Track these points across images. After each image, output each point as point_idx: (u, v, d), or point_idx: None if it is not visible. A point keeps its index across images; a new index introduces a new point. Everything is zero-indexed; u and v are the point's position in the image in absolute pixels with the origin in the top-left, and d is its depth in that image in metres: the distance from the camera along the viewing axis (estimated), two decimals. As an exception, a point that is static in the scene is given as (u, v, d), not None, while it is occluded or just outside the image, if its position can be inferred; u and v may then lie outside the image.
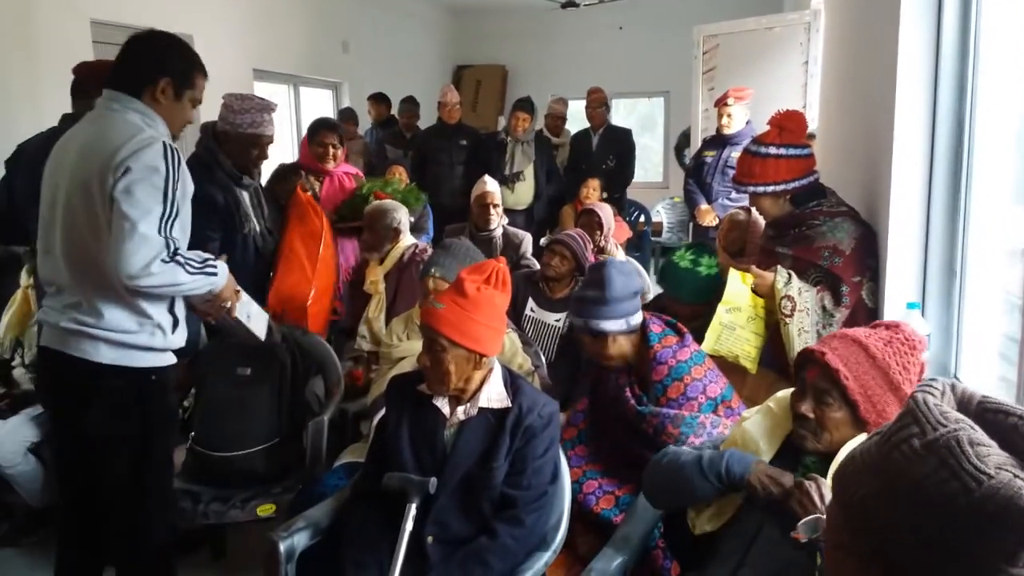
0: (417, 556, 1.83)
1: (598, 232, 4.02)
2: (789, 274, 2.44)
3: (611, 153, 6.12)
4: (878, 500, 0.72)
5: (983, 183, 2.13)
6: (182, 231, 2.04)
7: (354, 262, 3.80)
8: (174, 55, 2.14)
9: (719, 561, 1.57)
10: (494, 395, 1.95)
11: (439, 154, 5.75)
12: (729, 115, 4.76)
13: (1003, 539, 0.64)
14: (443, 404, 1.96)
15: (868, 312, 2.43)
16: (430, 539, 1.87)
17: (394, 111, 7.05)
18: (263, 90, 6.47)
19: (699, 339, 2.47)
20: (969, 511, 0.65)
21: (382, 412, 2.17)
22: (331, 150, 3.77)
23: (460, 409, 1.95)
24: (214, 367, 2.81)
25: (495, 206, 4.18)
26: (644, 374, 2.29)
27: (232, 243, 2.95)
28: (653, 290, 4.13)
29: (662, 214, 8.70)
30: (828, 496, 1.36)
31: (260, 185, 3.26)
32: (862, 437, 1.47)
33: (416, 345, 2.48)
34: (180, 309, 2.16)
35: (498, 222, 4.22)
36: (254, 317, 2.50)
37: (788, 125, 2.56)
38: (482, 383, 1.96)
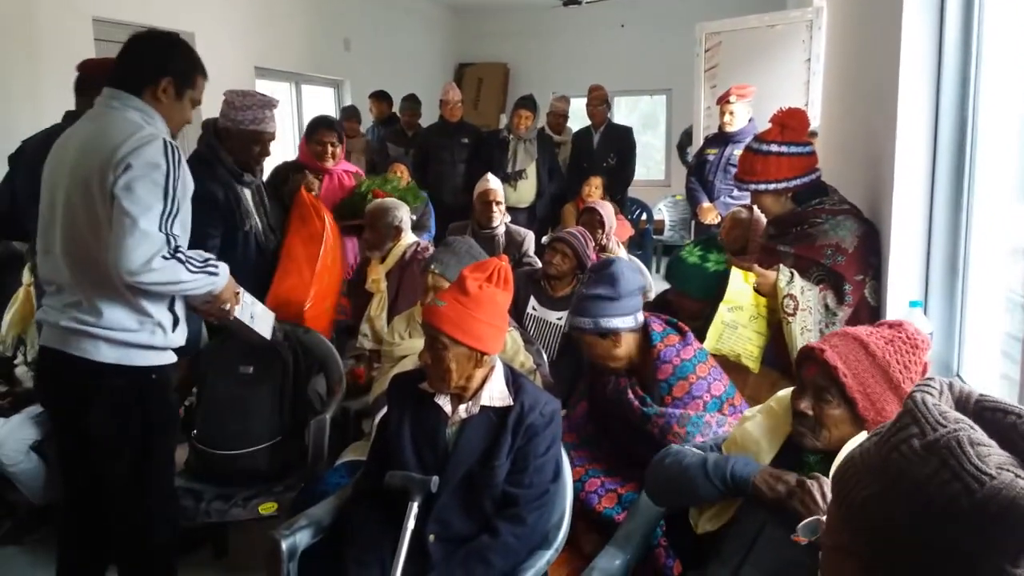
0: (419, 554, 1.83)
1: (600, 230, 4.02)
2: (791, 273, 2.44)
3: (612, 151, 6.12)
4: (879, 501, 0.71)
5: (986, 181, 2.12)
6: (183, 229, 2.04)
7: (353, 261, 3.80)
8: (176, 55, 2.14)
9: (721, 560, 1.57)
10: (496, 393, 1.95)
11: (441, 152, 5.74)
12: (731, 113, 4.76)
13: (1005, 540, 0.64)
14: (445, 402, 1.96)
15: (871, 310, 2.43)
16: (432, 537, 1.87)
17: (395, 109, 7.06)
18: (265, 88, 6.46)
19: (701, 338, 2.46)
20: (971, 512, 0.65)
21: (384, 410, 2.17)
22: (330, 148, 3.76)
23: (462, 407, 1.95)
24: (216, 365, 2.82)
25: (498, 204, 4.18)
26: (646, 374, 2.28)
27: (233, 240, 2.94)
28: (655, 288, 4.13)
29: (664, 212, 8.70)
30: (830, 495, 1.36)
31: (262, 182, 3.25)
32: (862, 436, 1.47)
33: (418, 343, 2.49)
34: (180, 308, 2.16)
35: (501, 220, 4.21)
36: (258, 317, 2.50)
37: (790, 123, 2.56)
38: (484, 381, 1.96)
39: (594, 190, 5.39)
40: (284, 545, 1.92)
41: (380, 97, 7.10)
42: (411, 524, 1.78)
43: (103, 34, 4.96)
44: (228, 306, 2.27)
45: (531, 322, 3.38)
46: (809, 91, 5.20)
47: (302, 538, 1.97)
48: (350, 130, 6.42)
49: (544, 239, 3.78)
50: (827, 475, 1.48)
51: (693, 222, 5.48)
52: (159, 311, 2.07)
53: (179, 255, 1.94)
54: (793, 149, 2.54)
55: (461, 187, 5.60)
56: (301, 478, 2.63)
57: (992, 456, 0.66)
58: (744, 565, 1.51)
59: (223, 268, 2.14)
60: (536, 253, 4.19)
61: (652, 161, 10.17)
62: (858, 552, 0.74)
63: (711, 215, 4.91)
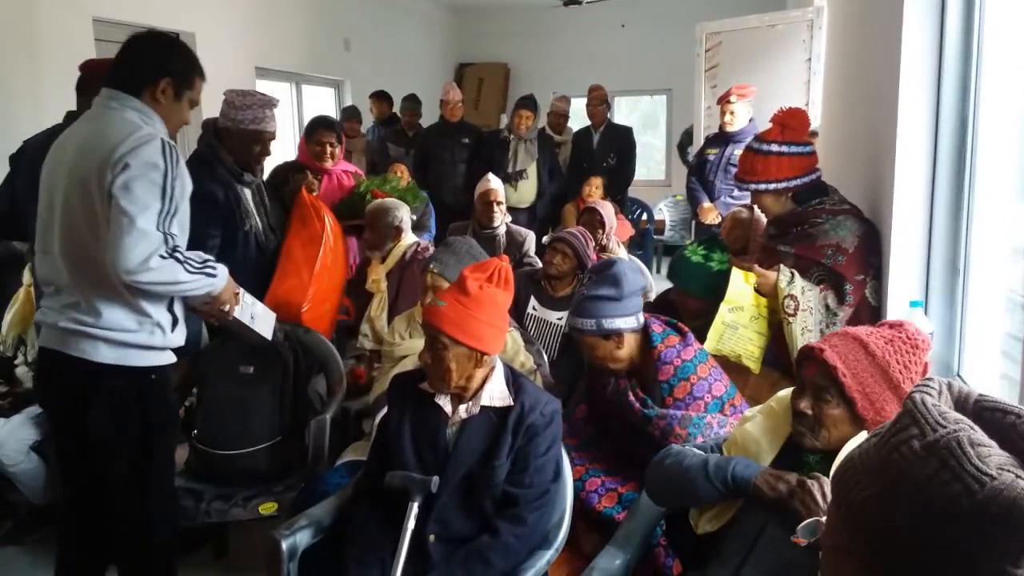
0: (419, 555, 1.83)
1: (600, 230, 4.01)
2: (792, 273, 2.43)
3: (612, 151, 6.12)
4: (879, 502, 0.71)
5: (986, 181, 2.12)
6: (181, 229, 2.04)
7: (353, 261, 3.80)
8: (175, 56, 2.14)
9: (721, 560, 1.57)
10: (496, 393, 1.95)
11: (441, 152, 5.74)
12: (732, 112, 4.76)
13: (1006, 540, 0.64)
14: (445, 402, 1.96)
15: (872, 310, 2.42)
16: (432, 537, 1.87)
17: (396, 109, 7.06)
18: (265, 88, 6.45)
19: (703, 338, 2.46)
20: (972, 513, 0.65)
21: (384, 410, 2.17)
22: (329, 148, 3.75)
23: (462, 407, 1.95)
24: (216, 366, 2.82)
25: (499, 204, 4.18)
26: (646, 376, 2.27)
27: (233, 240, 2.94)
28: (655, 288, 4.13)
29: (664, 212, 8.70)
30: (830, 495, 1.36)
31: (263, 182, 3.24)
32: (862, 436, 1.47)
33: (418, 343, 2.48)
34: (179, 308, 2.16)
35: (502, 220, 4.21)
36: (258, 318, 2.49)
37: (790, 123, 2.56)
38: (484, 381, 1.96)
39: (594, 190, 5.39)
40: (284, 545, 1.92)
41: (380, 97, 7.10)
42: (411, 524, 1.78)
43: (104, 34, 4.96)
44: (227, 307, 2.27)
45: (531, 322, 3.38)
46: (809, 91, 5.20)
47: (302, 538, 1.97)
48: (351, 130, 6.42)
49: (544, 239, 3.78)
50: (827, 475, 1.48)
51: (694, 222, 5.48)
52: (158, 311, 2.07)
53: (177, 255, 1.94)
54: (793, 149, 2.54)
55: (461, 187, 5.60)
56: (301, 478, 2.63)
57: (993, 457, 0.66)
58: (745, 565, 1.51)
59: (222, 270, 2.14)
60: (537, 253, 4.19)
61: (652, 161, 10.17)
62: (858, 552, 0.74)
63: (711, 215, 4.91)
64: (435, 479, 1.82)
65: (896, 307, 2.32)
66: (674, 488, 1.69)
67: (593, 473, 2.31)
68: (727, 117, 4.79)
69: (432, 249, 3.34)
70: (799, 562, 1.34)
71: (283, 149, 4.00)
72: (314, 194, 3.44)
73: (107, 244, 1.90)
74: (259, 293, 2.82)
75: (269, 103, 3.00)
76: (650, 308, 3.25)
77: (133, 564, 2.25)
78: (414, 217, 4.04)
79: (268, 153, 3.08)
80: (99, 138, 1.98)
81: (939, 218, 2.24)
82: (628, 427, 2.26)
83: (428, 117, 6.73)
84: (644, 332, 2.29)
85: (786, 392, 1.67)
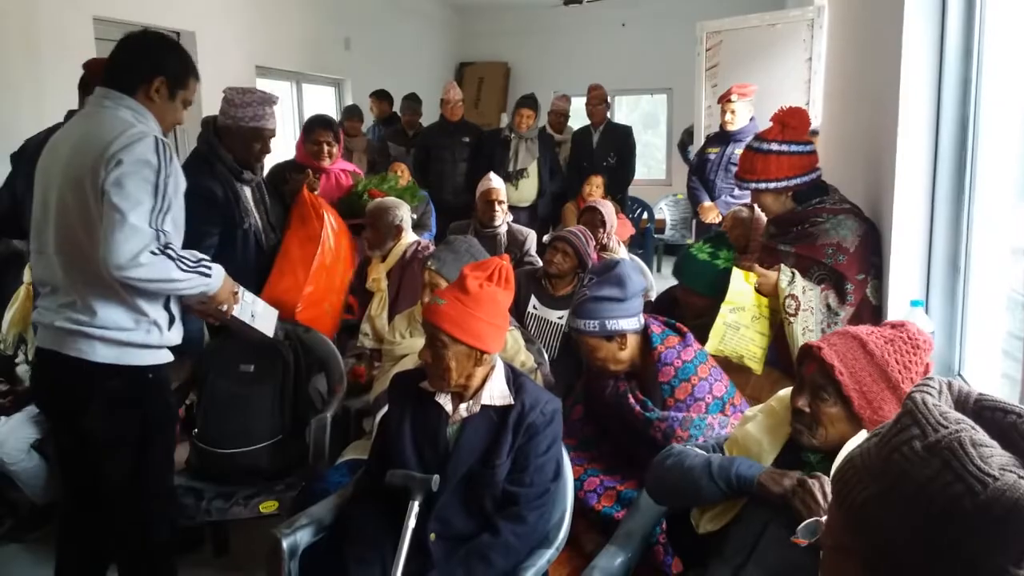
0: (420, 553, 1.83)
1: (601, 229, 4.01)
2: (793, 273, 2.43)
3: (612, 150, 6.12)
4: (879, 503, 0.71)
5: (987, 180, 2.12)
6: (175, 228, 2.04)
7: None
8: (169, 55, 2.15)
9: (722, 559, 1.57)
10: (496, 392, 1.95)
11: (442, 151, 5.74)
12: (733, 111, 4.76)
13: (1008, 541, 0.64)
14: (446, 401, 1.96)
15: (873, 310, 2.42)
16: (433, 536, 1.87)
17: (396, 108, 7.06)
18: (266, 87, 6.46)
19: (705, 337, 2.46)
20: (974, 514, 0.64)
21: (385, 409, 2.17)
22: (326, 148, 3.74)
23: (463, 406, 1.95)
24: (217, 364, 2.82)
25: (500, 203, 4.18)
26: (646, 377, 2.27)
27: (232, 238, 2.93)
28: (655, 288, 4.13)
29: (665, 211, 8.70)
30: (831, 494, 1.36)
31: (263, 180, 3.23)
32: (862, 436, 1.47)
33: (419, 342, 2.48)
34: (176, 306, 2.15)
35: (503, 219, 4.21)
36: (259, 316, 2.49)
37: (791, 122, 2.55)
38: (484, 380, 1.96)
39: (595, 189, 5.38)
40: (285, 544, 1.92)
41: (381, 96, 7.10)
42: (412, 523, 1.78)
43: (104, 33, 4.96)
44: (225, 307, 2.26)
45: (532, 321, 3.38)
46: (810, 90, 5.20)
47: (303, 537, 1.97)
48: (352, 129, 6.42)
49: (545, 238, 3.78)
50: (828, 475, 1.48)
51: (694, 221, 5.48)
52: (154, 310, 2.07)
53: (169, 252, 1.93)
54: (794, 148, 2.54)
55: (462, 186, 5.60)
56: (302, 477, 2.63)
57: (995, 457, 0.66)
58: (747, 564, 1.51)
59: (217, 270, 2.13)
60: (537, 252, 4.19)
61: (653, 160, 10.17)
62: (859, 552, 0.74)
63: (712, 214, 4.91)
64: (435, 478, 1.82)
65: (897, 306, 2.31)
66: (676, 488, 1.68)
67: (592, 473, 2.30)
68: (728, 116, 4.79)
69: (432, 248, 3.34)
70: (800, 562, 1.34)
71: (284, 148, 3.98)
72: (315, 192, 3.43)
73: (99, 240, 1.90)
74: (258, 292, 2.82)
75: (269, 100, 2.99)
76: (653, 305, 3.26)
77: (133, 563, 2.25)
78: (414, 216, 4.04)
79: (269, 151, 3.07)
80: (93, 136, 1.98)
81: (940, 217, 2.24)
82: (627, 428, 2.26)
83: (428, 116, 6.73)
84: (643, 333, 2.29)
85: (787, 391, 1.67)
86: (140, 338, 2.05)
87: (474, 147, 5.75)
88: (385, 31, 8.67)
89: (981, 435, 0.68)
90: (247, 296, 2.41)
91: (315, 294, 3.13)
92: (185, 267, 1.98)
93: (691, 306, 2.83)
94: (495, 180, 4.28)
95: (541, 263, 3.74)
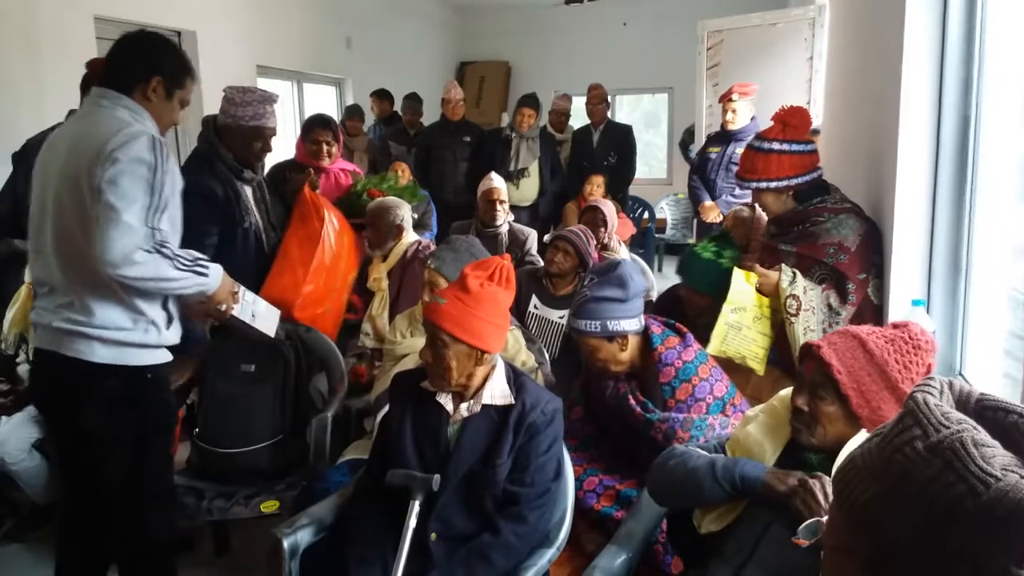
0: (420, 553, 1.83)
1: (602, 229, 4.01)
2: (794, 273, 2.43)
3: (612, 149, 6.11)
4: (881, 503, 0.71)
5: (988, 179, 2.12)
6: (173, 228, 2.03)
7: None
8: (167, 55, 2.15)
9: (723, 559, 1.57)
10: (497, 392, 1.95)
11: (443, 151, 5.74)
12: (734, 111, 4.75)
13: (1011, 541, 0.64)
14: (446, 401, 1.96)
15: (874, 309, 2.42)
16: (433, 536, 1.87)
17: (397, 107, 7.05)
18: (267, 86, 6.48)
19: (707, 336, 2.45)
20: (976, 514, 0.64)
21: (386, 409, 2.17)
22: (325, 147, 3.73)
23: (463, 406, 1.95)
24: (218, 364, 2.82)
25: (501, 202, 4.18)
26: (646, 378, 2.26)
27: (232, 236, 2.92)
28: (656, 287, 4.12)
29: (666, 210, 8.70)
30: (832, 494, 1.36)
31: (264, 179, 3.23)
32: (862, 436, 1.47)
33: (419, 342, 2.48)
34: (174, 305, 2.15)
35: (504, 219, 4.21)
36: (260, 316, 2.48)
37: (792, 121, 2.55)
38: (485, 380, 1.96)
39: (596, 188, 5.38)
40: (286, 543, 1.92)
41: (381, 96, 7.10)
42: (413, 522, 1.77)
43: (105, 32, 4.96)
44: (224, 307, 2.25)
45: (533, 321, 3.38)
46: (811, 89, 5.20)
47: (304, 536, 1.97)
48: (353, 129, 6.42)
49: (546, 237, 3.78)
50: (830, 475, 1.47)
51: (695, 220, 5.48)
52: (152, 309, 2.06)
53: (164, 250, 1.92)
54: (794, 147, 2.53)
55: (463, 186, 5.59)
56: (303, 476, 2.63)
57: (997, 457, 0.66)
58: (747, 564, 1.51)
59: (215, 269, 2.12)
60: (538, 251, 4.18)
61: (654, 159, 10.17)
62: (860, 553, 0.74)
63: (713, 214, 4.91)
64: (436, 477, 1.82)
65: (898, 306, 2.31)
66: (679, 489, 1.68)
67: (591, 472, 2.30)
68: (729, 115, 4.78)
69: (433, 248, 3.34)
70: (802, 562, 1.34)
71: (285, 148, 3.97)
72: (316, 191, 3.42)
73: (94, 238, 1.89)
74: (258, 290, 2.82)
75: (269, 99, 2.99)
76: (655, 304, 3.26)
77: (132, 563, 2.24)
78: (415, 216, 4.04)
79: (270, 149, 3.06)
80: (89, 135, 1.97)
81: (941, 216, 2.23)
82: (628, 429, 2.25)
83: (429, 116, 6.73)
84: (643, 334, 2.28)
85: (788, 391, 1.67)
86: (138, 338, 2.05)
87: (475, 146, 5.75)
88: (386, 30, 8.67)
89: (983, 435, 0.68)
90: (248, 296, 2.41)
91: (314, 293, 3.12)
92: (181, 266, 1.97)
93: (694, 305, 2.83)
94: (496, 180, 4.28)
95: (542, 263, 3.74)
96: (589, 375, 2.43)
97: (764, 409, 1.71)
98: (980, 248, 2.15)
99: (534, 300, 3.41)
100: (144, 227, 1.89)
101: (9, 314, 3.09)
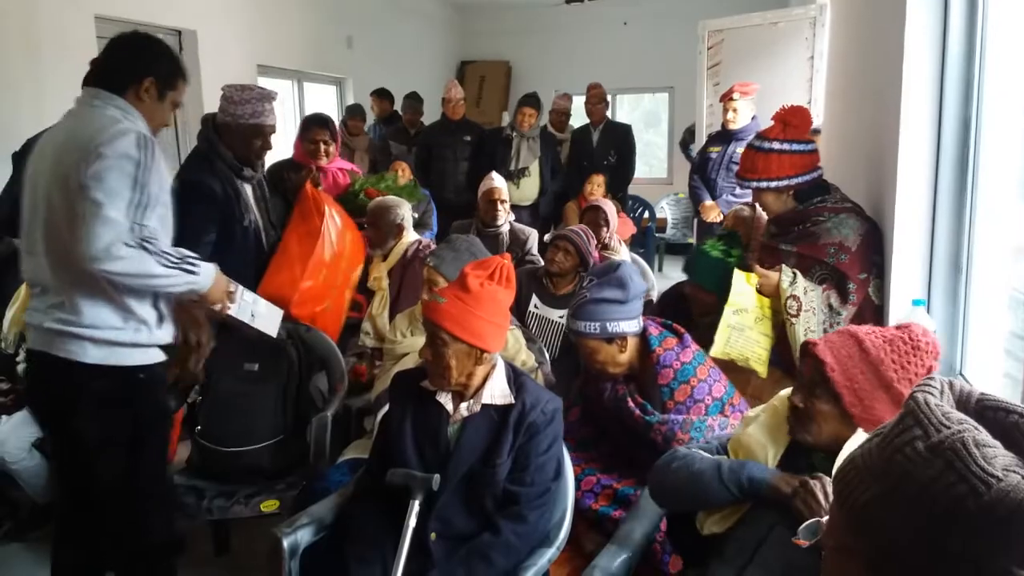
0: (420, 552, 1.83)
1: (604, 228, 4.01)
2: (794, 273, 2.43)
3: (612, 149, 6.11)
4: (882, 503, 0.71)
5: (989, 179, 2.12)
6: (163, 227, 2.03)
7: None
8: (159, 57, 2.15)
9: (724, 559, 1.57)
10: (497, 391, 1.95)
11: (443, 150, 5.74)
12: (734, 110, 4.75)
13: (1012, 542, 0.64)
14: (446, 400, 1.96)
15: (875, 309, 2.42)
16: (433, 535, 1.87)
17: (397, 107, 7.05)
18: (267, 86, 6.47)
19: (711, 334, 2.45)
20: (978, 514, 0.64)
21: (386, 408, 2.17)
22: (323, 147, 3.72)
23: (463, 405, 1.95)
24: (221, 362, 2.81)
25: (502, 202, 4.18)
26: (645, 380, 2.25)
27: (231, 234, 2.91)
28: (657, 287, 4.12)
29: (666, 210, 8.69)
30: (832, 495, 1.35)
31: (264, 177, 3.22)
32: (861, 436, 1.47)
33: (420, 341, 2.48)
34: (165, 304, 2.14)
35: (505, 218, 4.21)
36: (260, 316, 2.47)
37: (792, 120, 2.55)
38: (485, 379, 1.95)
39: (596, 188, 5.38)
40: (286, 543, 1.92)
41: (381, 95, 7.10)
42: (413, 522, 1.77)
43: (105, 32, 4.95)
44: (219, 307, 2.24)
45: (533, 320, 3.38)
46: (812, 88, 5.20)
47: (304, 536, 1.97)
48: (354, 128, 6.42)
49: (547, 237, 3.78)
50: (830, 475, 1.47)
51: (696, 220, 5.47)
52: (142, 308, 2.05)
53: (147, 245, 1.90)
54: (795, 147, 2.53)
55: (464, 185, 5.60)
56: (303, 476, 2.63)
57: (998, 458, 0.66)
58: (749, 565, 1.51)
59: (206, 268, 2.10)
60: (539, 251, 4.18)
61: (655, 159, 10.17)
62: (861, 553, 0.73)
63: (713, 213, 4.91)
64: (436, 477, 1.82)
65: (898, 306, 2.31)
66: (684, 492, 1.67)
67: (589, 472, 2.29)
68: (730, 115, 4.78)
69: (433, 247, 3.34)
70: (803, 563, 1.34)
71: (285, 147, 3.97)
72: (318, 188, 3.42)
73: (79, 234, 1.88)
74: (256, 288, 2.81)
75: (268, 96, 2.98)
76: (659, 302, 3.25)
77: (130, 564, 2.24)
78: (415, 215, 4.04)
79: (270, 147, 3.05)
80: (79, 133, 1.97)
81: (941, 216, 2.23)
82: (627, 431, 2.25)
83: (430, 115, 6.73)
84: (641, 335, 2.28)
85: (788, 391, 1.67)
86: (129, 337, 2.04)
87: (476, 146, 5.75)
88: (386, 30, 8.67)
89: (984, 435, 0.68)
90: (247, 295, 2.40)
91: (313, 290, 3.10)
92: (167, 263, 1.95)
93: (700, 303, 2.82)
94: (497, 179, 4.28)
95: (543, 262, 3.74)
96: (587, 377, 2.42)
97: (765, 409, 1.71)
98: (981, 248, 2.15)
99: (534, 299, 3.41)
100: (127, 222, 1.88)
101: (9, 313, 3.09)
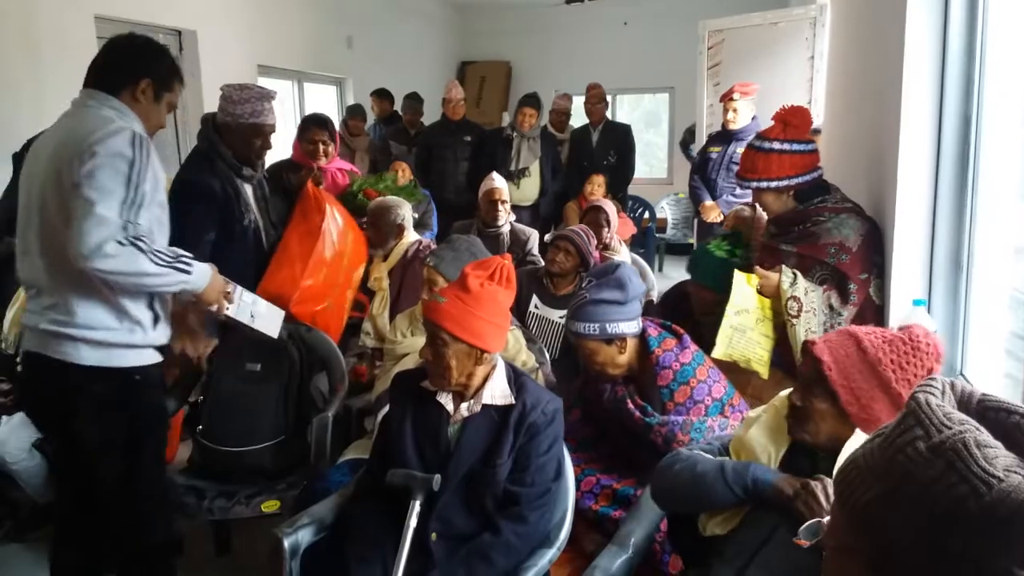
0: (421, 553, 1.83)
1: (605, 228, 4.01)
2: (794, 274, 2.43)
3: (611, 149, 6.11)
4: (883, 504, 0.71)
5: (989, 178, 2.12)
6: (159, 228, 2.03)
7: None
8: (156, 58, 2.15)
9: (723, 560, 1.57)
10: (498, 392, 1.95)
11: (443, 151, 5.74)
12: (735, 110, 4.75)
13: (1013, 542, 0.64)
14: (447, 401, 1.96)
15: (876, 309, 2.42)
16: (434, 536, 1.87)
17: (397, 107, 7.05)
18: (267, 86, 6.48)
19: (713, 333, 2.44)
20: (979, 515, 0.64)
21: (386, 408, 2.17)
22: (321, 147, 3.72)
23: (464, 406, 1.95)
24: (223, 362, 2.81)
25: (503, 203, 4.18)
26: (644, 381, 2.25)
27: (231, 233, 2.90)
28: (657, 287, 4.12)
29: (666, 210, 8.69)
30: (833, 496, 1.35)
31: (265, 176, 3.22)
32: (860, 436, 1.47)
33: (420, 341, 2.48)
34: (160, 305, 2.13)
35: (506, 219, 4.21)
36: (260, 317, 2.47)
37: (792, 120, 2.55)
38: (485, 379, 1.95)
39: (597, 188, 5.38)
40: (287, 543, 1.92)
41: (381, 95, 7.10)
42: (413, 522, 1.77)
43: (106, 32, 4.95)
44: (215, 308, 2.23)
45: (533, 320, 3.38)
46: (812, 88, 5.20)
47: (304, 536, 1.97)
48: (355, 129, 6.42)
49: (547, 237, 3.78)
50: (831, 475, 1.47)
51: (696, 220, 5.47)
52: (137, 308, 2.04)
53: (139, 243, 1.89)
54: (795, 147, 2.53)
55: (464, 185, 5.60)
56: (304, 476, 2.63)
57: (1000, 458, 0.66)
58: (750, 566, 1.51)
59: (200, 268, 2.09)
60: (540, 251, 4.18)
61: (655, 159, 10.17)
62: (863, 553, 0.73)
63: (714, 213, 4.91)
64: (437, 477, 1.82)
65: (899, 306, 2.31)
66: (687, 494, 1.66)
67: (589, 472, 2.29)
68: (730, 115, 4.78)
69: (434, 247, 3.34)
70: (804, 564, 1.34)
71: (286, 147, 3.97)
72: (320, 187, 3.41)
73: (70, 232, 1.87)
74: (256, 286, 2.81)
75: (267, 95, 2.98)
76: (661, 301, 3.25)
77: (130, 564, 2.24)
78: (416, 215, 4.04)
79: (270, 146, 3.05)
80: (73, 133, 1.97)
81: (942, 216, 2.23)
82: (627, 432, 2.25)
83: (430, 115, 6.73)
84: (640, 336, 2.27)
85: (789, 391, 1.67)
86: (123, 338, 2.03)
87: (476, 146, 5.75)
88: (387, 30, 8.67)
89: (985, 436, 0.67)
90: (246, 296, 2.39)
91: (313, 288, 3.10)
92: (159, 261, 1.93)
93: (703, 302, 2.83)
94: (498, 180, 4.28)
95: (543, 263, 3.74)
96: (587, 378, 2.42)
97: (766, 410, 1.71)
98: (981, 248, 2.15)
99: (535, 300, 3.41)
100: (118, 219, 1.87)
101: (9, 314, 3.09)
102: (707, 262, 2.85)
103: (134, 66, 2.09)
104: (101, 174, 1.88)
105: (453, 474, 1.88)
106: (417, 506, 1.79)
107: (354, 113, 6.57)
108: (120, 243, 1.86)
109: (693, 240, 6.71)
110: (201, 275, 2.10)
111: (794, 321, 2.37)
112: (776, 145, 2.53)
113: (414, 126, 6.58)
